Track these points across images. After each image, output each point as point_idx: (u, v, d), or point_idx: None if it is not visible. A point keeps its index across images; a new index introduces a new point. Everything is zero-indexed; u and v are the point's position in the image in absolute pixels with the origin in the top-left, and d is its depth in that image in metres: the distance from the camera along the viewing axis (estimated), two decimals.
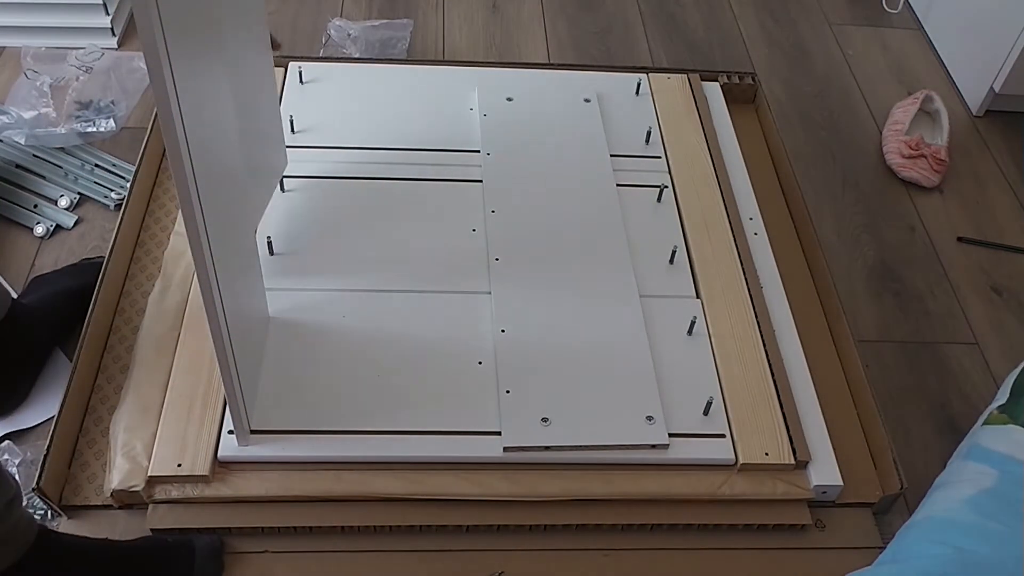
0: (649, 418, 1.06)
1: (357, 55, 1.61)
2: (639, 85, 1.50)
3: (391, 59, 1.60)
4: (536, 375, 1.09)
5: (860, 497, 1.07)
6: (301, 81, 1.44)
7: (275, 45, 1.61)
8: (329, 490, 1.00)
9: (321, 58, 1.55)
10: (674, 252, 1.23)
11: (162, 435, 1.01)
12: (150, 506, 0.99)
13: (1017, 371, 1.12)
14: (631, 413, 1.06)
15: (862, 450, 1.12)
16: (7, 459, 1.02)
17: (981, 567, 0.90)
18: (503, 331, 1.13)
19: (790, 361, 1.15)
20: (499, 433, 1.04)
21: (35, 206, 1.32)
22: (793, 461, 1.05)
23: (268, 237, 1.19)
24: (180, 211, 0.82)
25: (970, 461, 1.03)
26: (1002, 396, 1.09)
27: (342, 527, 1.00)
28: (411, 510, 1.01)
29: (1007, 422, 1.04)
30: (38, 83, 1.45)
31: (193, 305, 1.14)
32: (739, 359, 1.13)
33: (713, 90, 1.52)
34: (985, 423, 1.07)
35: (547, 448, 1.03)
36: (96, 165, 1.38)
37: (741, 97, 1.55)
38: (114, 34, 1.59)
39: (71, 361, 1.07)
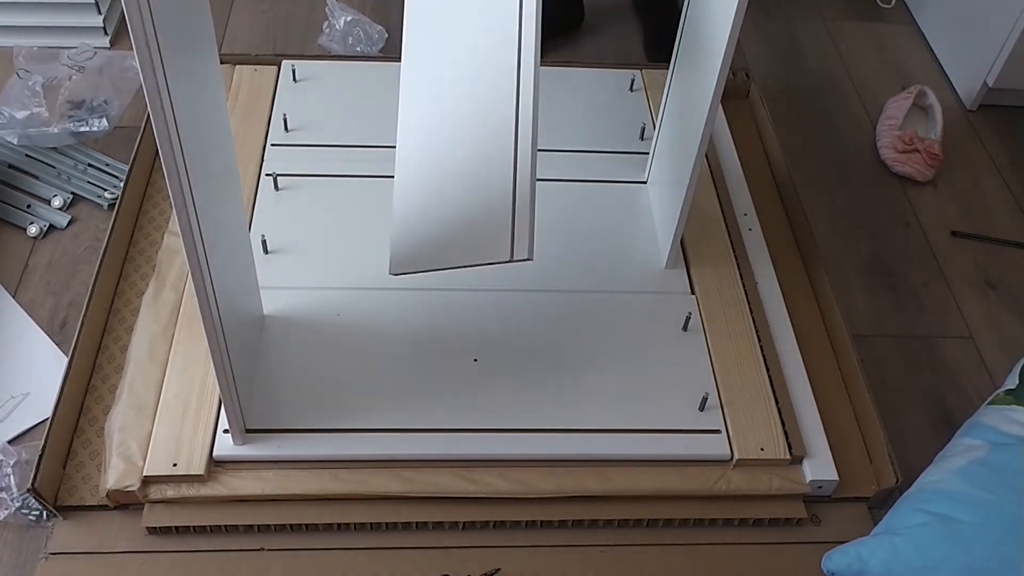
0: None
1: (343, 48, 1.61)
2: (633, 81, 1.50)
3: (384, 57, 1.60)
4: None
5: (855, 492, 1.08)
6: (294, 79, 1.44)
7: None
8: (325, 488, 1.00)
9: (314, 56, 1.55)
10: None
11: (157, 435, 1.01)
12: (146, 506, 0.99)
13: None
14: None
15: (857, 445, 1.12)
16: (2, 460, 1.02)
17: (965, 535, 0.91)
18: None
19: (785, 356, 1.16)
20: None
21: (28, 206, 1.32)
22: (788, 456, 1.05)
23: (262, 235, 1.19)
24: (173, 210, 0.82)
25: (966, 437, 1.04)
26: (1011, 381, 1.10)
27: (338, 525, 1.00)
28: (407, 508, 1.01)
29: (1011, 403, 1.05)
30: (30, 83, 1.44)
31: (188, 304, 1.13)
32: (734, 355, 1.14)
33: None
34: (989, 404, 1.08)
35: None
36: (89, 164, 1.38)
37: (735, 93, 1.55)
38: (106, 33, 1.58)
39: (66, 360, 1.07)
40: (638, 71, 1.52)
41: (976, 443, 1.01)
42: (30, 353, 1.16)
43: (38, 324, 1.19)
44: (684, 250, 1.25)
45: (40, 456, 0.98)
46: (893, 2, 1.89)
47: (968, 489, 0.95)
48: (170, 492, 0.99)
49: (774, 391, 1.10)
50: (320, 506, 1.00)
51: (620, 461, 1.04)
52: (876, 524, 1.05)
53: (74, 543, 0.98)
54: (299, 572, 0.98)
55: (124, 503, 1.00)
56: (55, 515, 1.00)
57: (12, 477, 1.01)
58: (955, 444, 1.05)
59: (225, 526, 0.99)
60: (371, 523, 1.01)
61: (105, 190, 1.34)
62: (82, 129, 1.41)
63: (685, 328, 1.16)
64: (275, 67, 1.46)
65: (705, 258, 1.24)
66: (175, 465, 0.99)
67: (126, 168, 1.29)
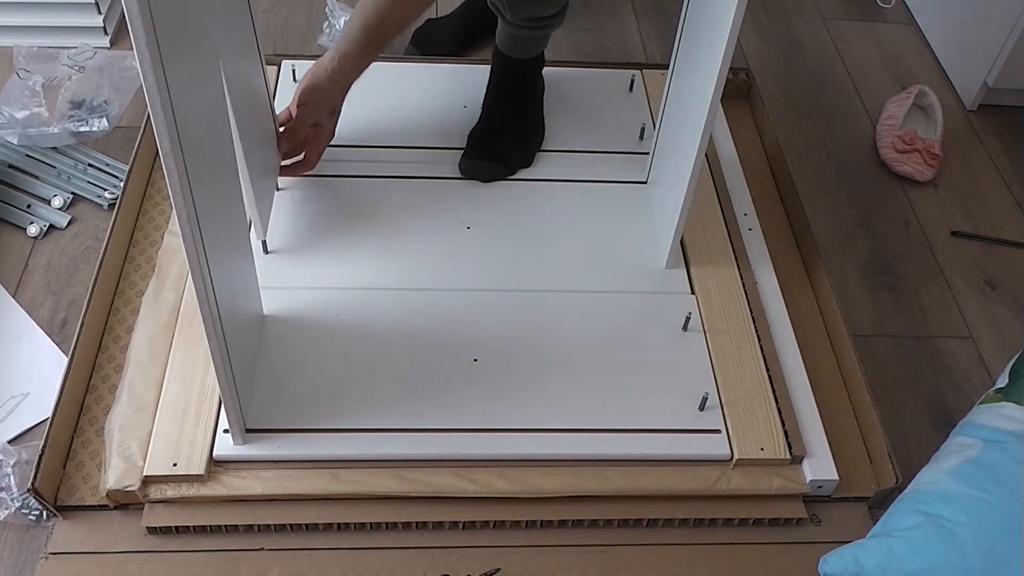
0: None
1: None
2: (632, 81, 1.50)
3: (384, 57, 1.60)
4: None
5: (855, 491, 1.08)
6: (295, 79, 1.44)
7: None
8: (325, 488, 1.00)
9: (314, 56, 1.54)
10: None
11: (157, 434, 1.01)
12: (146, 506, 0.99)
13: (1016, 356, 1.12)
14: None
15: (857, 444, 1.12)
16: (2, 460, 1.02)
17: (960, 536, 0.91)
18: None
19: (785, 356, 1.16)
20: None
21: (28, 206, 1.31)
22: (788, 456, 1.05)
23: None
24: (173, 210, 0.82)
25: (959, 436, 1.04)
26: (1002, 381, 1.10)
27: (338, 525, 1.00)
28: (407, 507, 1.01)
29: (1001, 400, 1.05)
30: (30, 83, 1.44)
31: (188, 304, 1.13)
32: (734, 354, 1.13)
33: None
34: (981, 403, 1.08)
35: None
36: (89, 164, 1.38)
37: (735, 92, 1.55)
38: (106, 33, 1.58)
39: (67, 360, 1.07)
40: (638, 71, 1.52)
41: (969, 441, 1.01)
42: (30, 353, 1.16)
43: (38, 324, 1.19)
44: (684, 250, 1.25)
45: (40, 456, 0.98)
46: (893, 2, 1.89)
47: (962, 489, 0.95)
48: (170, 492, 0.99)
49: (774, 391, 1.10)
50: (320, 506, 1.00)
51: (620, 461, 1.04)
52: (875, 523, 1.05)
53: (74, 543, 0.98)
54: (299, 572, 0.98)
55: (124, 503, 1.00)
56: (55, 515, 1.00)
57: (12, 477, 1.01)
58: (949, 444, 1.05)
59: (225, 526, 0.99)
60: (371, 523, 1.01)
61: (105, 190, 1.34)
62: (82, 129, 1.41)
63: (685, 328, 1.16)
64: (275, 67, 1.46)
65: (705, 258, 1.24)
66: (175, 465, 0.99)
67: (126, 168, 1.29)
